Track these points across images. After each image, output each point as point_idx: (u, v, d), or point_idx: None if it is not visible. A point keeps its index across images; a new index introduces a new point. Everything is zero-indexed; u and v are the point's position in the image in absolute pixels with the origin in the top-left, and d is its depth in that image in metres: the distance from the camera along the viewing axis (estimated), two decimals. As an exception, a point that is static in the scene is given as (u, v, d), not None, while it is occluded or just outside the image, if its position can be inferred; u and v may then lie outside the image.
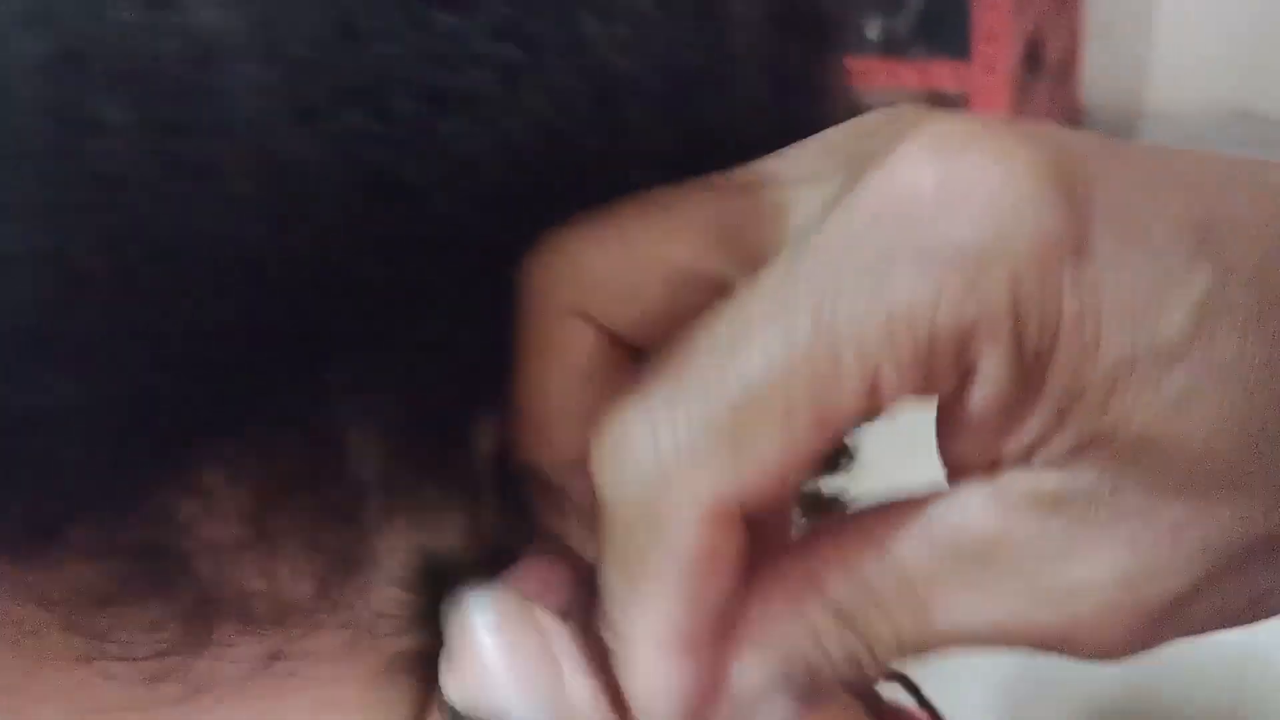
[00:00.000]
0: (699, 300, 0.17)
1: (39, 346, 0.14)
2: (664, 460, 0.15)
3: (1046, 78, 1.90)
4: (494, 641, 0.17)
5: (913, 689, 0.25)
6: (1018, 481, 0.16)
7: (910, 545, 0.16)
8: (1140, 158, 0.15)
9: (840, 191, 0.15)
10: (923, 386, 0.15)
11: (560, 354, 0.17)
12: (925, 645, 0.17)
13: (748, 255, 0.17)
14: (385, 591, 0.18)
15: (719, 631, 0.17)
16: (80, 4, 0.14)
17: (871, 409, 0.15)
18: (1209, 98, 2.03)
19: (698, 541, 0.15)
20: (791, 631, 0.17)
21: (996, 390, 0.15)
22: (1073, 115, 2.10)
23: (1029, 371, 0.14)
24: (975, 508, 0.16)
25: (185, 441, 0.16)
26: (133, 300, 0.14)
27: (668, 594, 0.16)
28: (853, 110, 0.19)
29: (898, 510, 0.17)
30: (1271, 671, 1.27)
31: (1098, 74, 2.10)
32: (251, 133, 0.14)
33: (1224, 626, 0.17)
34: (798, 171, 0.17)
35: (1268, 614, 0.17)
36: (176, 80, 0.14)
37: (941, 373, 0.15)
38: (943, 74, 1.68)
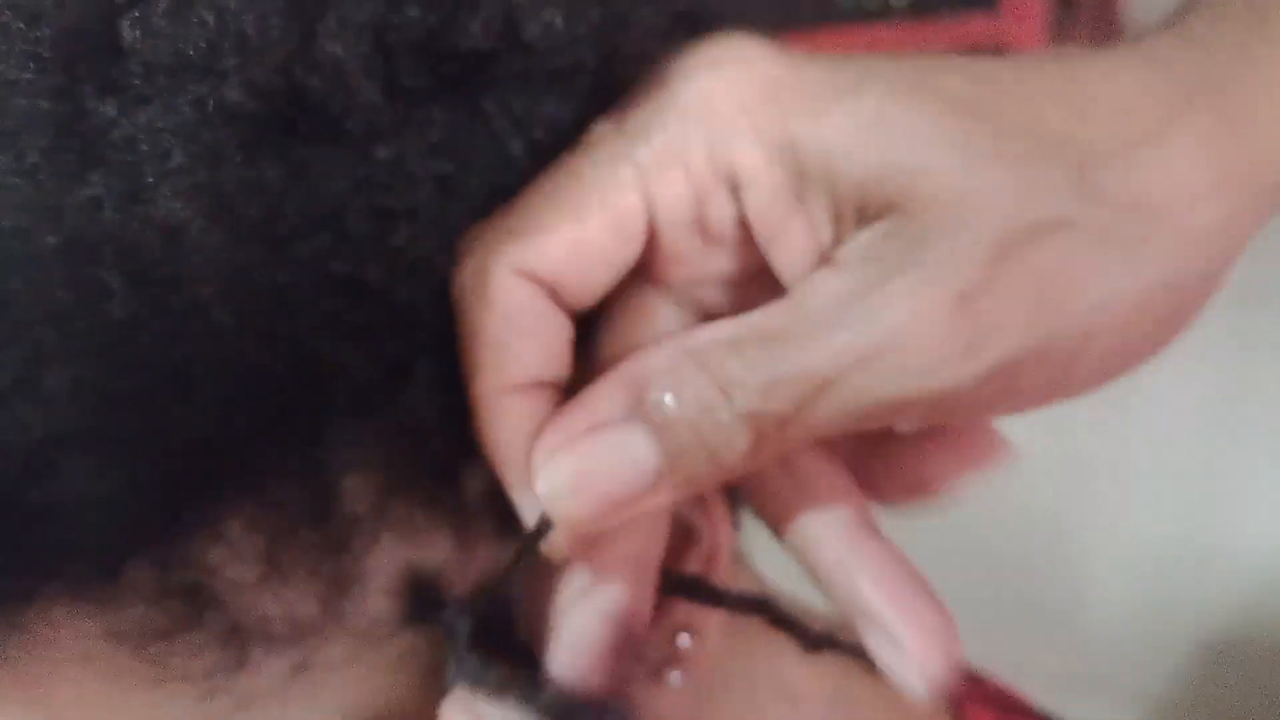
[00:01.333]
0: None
1: (81, 446, 0.18)
2: (485, 247, 0.20)
3: (1085, 17, 1.87)
4: None
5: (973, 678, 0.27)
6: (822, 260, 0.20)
7: (763, 314, 0.19)
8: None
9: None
10: (692, 202, 0.20)
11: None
12: (777, 390, 0.18)
13: None
14: (378, 601, 0.21)
15: (550, 381, 0.20)
16: (79, 207, 0.17)
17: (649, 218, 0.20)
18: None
19: (506, 294, 0.19)
20: (647, 364, 0.19)
21: (764, 195, 0.20)
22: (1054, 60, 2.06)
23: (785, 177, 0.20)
24: (810, 286, 0.19)
25: (212, 500, 0.19)
26: (153, 408, 0.18)
27: (489, 342, 0.20)
28: None
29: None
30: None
31: (1138, 11, 2.05)
32: (226, 274, 0.18)
33: (1025, 323, 0.19)
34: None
35: (1065, 307, 0.19)
36: (155, 252, 0.17)
37: (705, 189, 0.20)
38: (975, 28, 1.67)
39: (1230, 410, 1.44)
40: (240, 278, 0.18)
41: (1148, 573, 1.29)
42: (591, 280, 0.20)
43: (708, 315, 0.22)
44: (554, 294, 0.20)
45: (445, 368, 0.20)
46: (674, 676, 0.23)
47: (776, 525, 0.22)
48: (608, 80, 0.21)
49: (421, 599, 0.21)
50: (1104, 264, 0.19)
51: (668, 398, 0.19)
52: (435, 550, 0.21)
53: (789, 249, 0.20)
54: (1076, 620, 1.24)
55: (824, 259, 0.20)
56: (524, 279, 0.20)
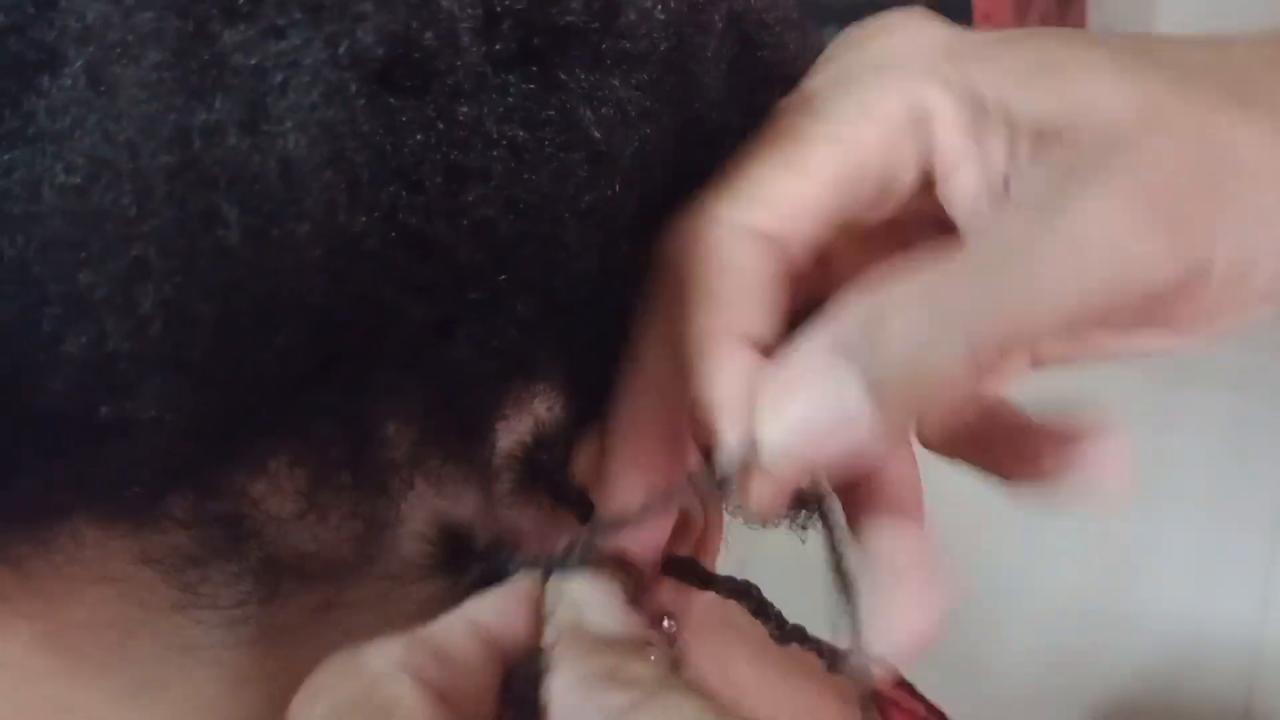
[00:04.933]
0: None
1: (159, 367, 0.18)
2: (706, 209, 0.21)
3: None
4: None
5: (906, 686, 0.28)
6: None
7: (952, 255, 0.20)
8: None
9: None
10: (889, 147, 0.22)
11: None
12: (991, 310, 0.19)
13: None
14: (409, 545, 0.21)
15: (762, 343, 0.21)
16: (200, 130, 0.17)
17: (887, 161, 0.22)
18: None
19: (731, 250, 0.21)
20: (851, 315, 0.20)
21: (950, 132, 0.21)
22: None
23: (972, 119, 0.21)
24: (995, 220, 0.20)
25: (260, 436, 0.20)
26: (230, 336, 0.18)
27: (713, 296, 0.20)
28: None
29: None
30: (1282, 666, 1.28)
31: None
32: (320, 214, 0.18)
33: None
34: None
35: None
36: (267, 183, 0.18)
37: (900, 133, 0.21)
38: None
39: (1145, 475, 1.49)
40: (332, 218, 0.18)
41: (1054, 627, 1.33)
42: (808, 230, 0.21)
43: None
44: (774, 250, 0.21)
45: (490, 325, 0.21)
46: (655, 659, 0.24)
47: (852, 515, 0.23)
48: (674, 66, 0.22)
49: (451, 547, 0.22)
50: (1272, 171, 0.20)
51: (874, 340, 0.19)
52: (463, 503, 0.22)
53: (965, 185, 0.21)
54: (981, 668, 1.27)
55: (997, 197, 0.21)
56: (747, 235, 0.21)
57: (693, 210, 0.21)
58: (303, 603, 0.21)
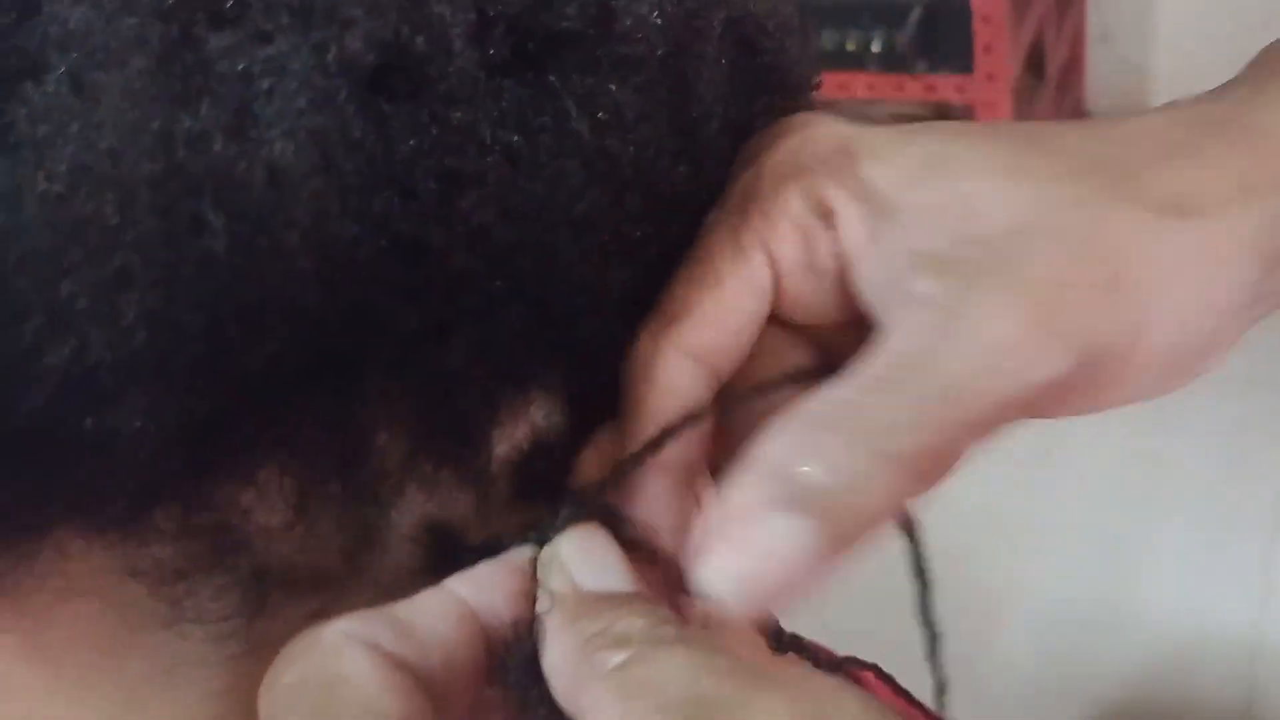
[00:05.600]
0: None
1: (144, 378, 0.18)
2: (649, 333, 0.22)
3: (1050, 85, 1.92)
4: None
5: (884, 676, 0.28)
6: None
7: (865, 364, 0.21)
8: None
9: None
10: (802, 244, 0.22)
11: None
12: (923, 421, 0.19)
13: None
14: (400, 555, 0.21)
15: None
16: (185, 137, 0.17)
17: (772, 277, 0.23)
18: (1211, 101, 2.05)
19: (667, 373, 0.22)
20: (781, 446, 0.20)
21: (851, 226, 0.22)
22: (1078, 120, 2.12)
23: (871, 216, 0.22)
24: (902, 326, 0.21)
25: (249, 446, 0.19)
26: (218, 346, 0.18)
27: (650, 416, 0.22)
28: None
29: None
30: (1281, 667, 1.28)
31: (1100, 79, 2.12)
32: (309, 222, 0.18)
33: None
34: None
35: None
36: (254, 191, 0.17)
37: (809, 229, 0.22)
38: (946, 87, 1.70)
39: (1143, 481, 1.49)
40: (322, 226, 0.18)
41: (1053, 628, 1.33)
42: (740, 340, 0.23)
43: (822, 348, 0.24)
44: (710, 367, 0.22)
45: (484, 333, 0.21)
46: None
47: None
48: (671, 71, 0.22)
49: (442, 555, 0.22)
50: (1165, 263, 0.21)
51: (812, 471, 0.19)
52: (457, 511, 0.22)
53: (872, 276, 0.22)
54: (979, 669, 1.27)
55: (904, 286, 0.21)
56: (684, 358, 0.22)
57: (642, 336, 0.22)
58: (291, 615, 0.21)
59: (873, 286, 0.22)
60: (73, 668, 0.20)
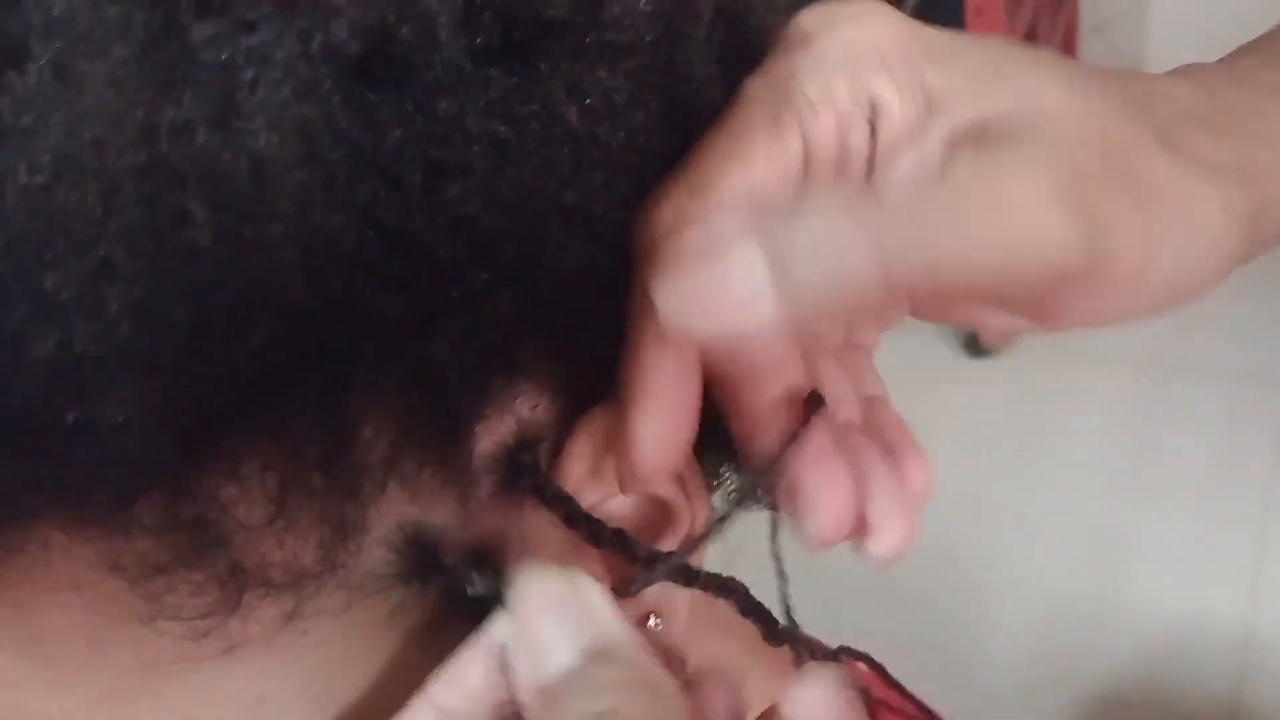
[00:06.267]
0: None
1: (128, 370, 0.17)
2: (669, 203, 0.21)
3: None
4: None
5: (877, 667, 0.28)
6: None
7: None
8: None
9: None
10: (838, 137, 0.22)
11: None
12: (909, 223, 0.20)
13: None
14: (375, 553, 0.21)
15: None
16: (169, 128, 0.17)
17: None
18: (1204, 93, 2.05)
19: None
20: (775, 207, 0.20)
21: (896, 124, 0.22)
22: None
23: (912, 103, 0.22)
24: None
25: (234, 437, 0.19)
26: (202, 337, 0.18)
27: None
28: None
29: None
30: (1271, 658, 1.29)
31: (1093, 72, 2.12)
32: (294, 213, 0.18)
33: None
34: None
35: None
36: (238, 182, 0.17)
37: (849, 123, 0.22)
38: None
39: (1133, 473, 1.49)
40: (306, 217, 0.18)
41: (1044, 622, 1.33)
42: None
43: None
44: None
45: (471, 324, 0.21)
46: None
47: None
48: (661, 55, 0.22)
49: (420, 556, 0.21)
50: (1177, 196, 0.22)
51: (802, 227, 0.20)
52: (438, 509, 0.22)
53: (901, 173, 0.22)
54: (971, 663, 1.27)
55: (933, 167, 0.22)
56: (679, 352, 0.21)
57: (662, 201, 0.21)
58: (266, 614, 0.21)
59: (902, 183, 0.22)
60: (61, 660, 0.20)
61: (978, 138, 0.21)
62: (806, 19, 0.23)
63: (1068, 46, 2.11)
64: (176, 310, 0.17)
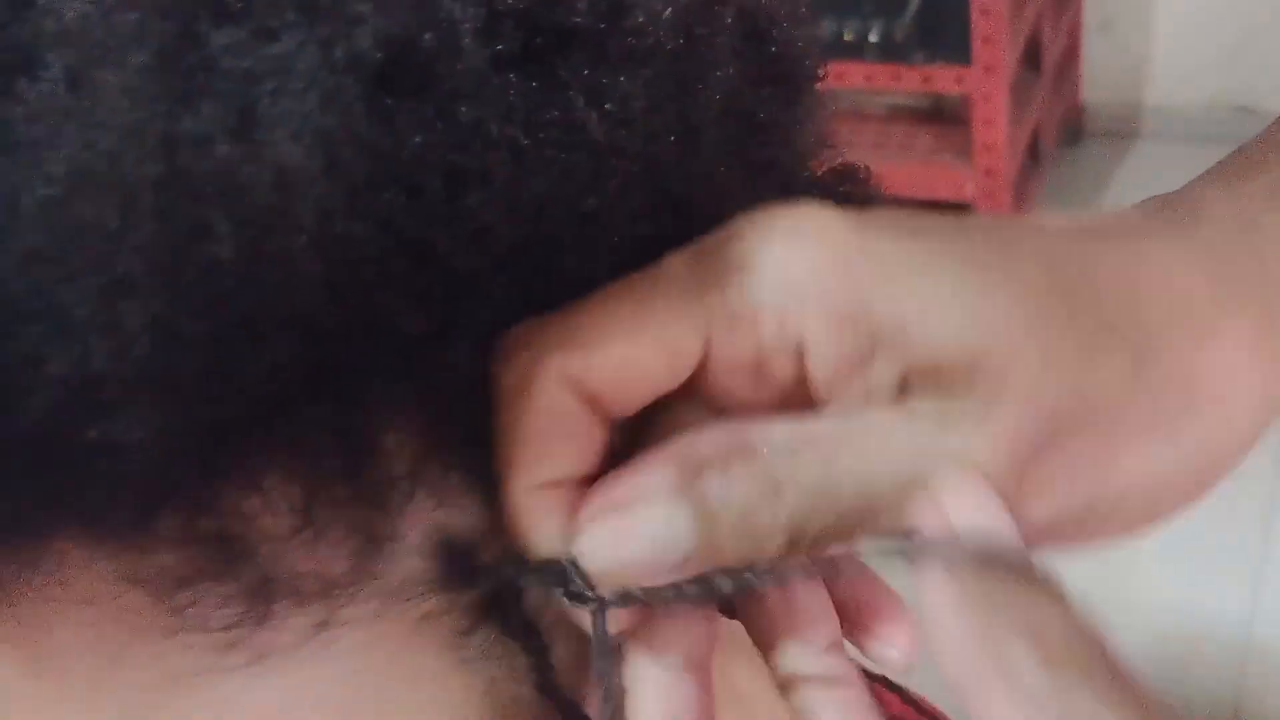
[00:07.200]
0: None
1: (147, 387, 0.17)
2: (534, 349, 0.21)
3: (1047, 77, 1.92)
4: None
5: (895, 687, 0.28)
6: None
7: (819, 421, 0.21)
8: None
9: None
10: (752, 358, 0.21)
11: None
12: (827, 501, 0.20)
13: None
14: (408, 562, 0.21)
15: (578, 479, 0.21)
16: (188, 139, 0.17)
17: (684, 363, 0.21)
18: (1208, 94, 2.05)
19: (550, 399, 0.20)
20: (700, 446, 0.21)
21: (829, 362, 0.21)
22: (1073, 113, 2.12)
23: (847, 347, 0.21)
24: (875, 411, 0.21)
25: (253, 452, 0.19)
26: (221, 352, 0.17)
27: (527, 442, 0.21)
28: (820, 148, 0.25)
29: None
30: (1271, 662, 1.29)
31: (1097, 72, 2.12)
32: (315, 225, 0.17)
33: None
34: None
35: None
36: (260, 194, 0.17)
37: (769, 351, 0.21)
38: (944, 77, 1.70)
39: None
40: (328, 228, 0.18)
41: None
42: (634, 396, 0.21)
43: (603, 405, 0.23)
44: (596, 403, 0.21)
45: (490, 332, 0.20)
46: None
47: (763, 642, 0.23)
48: (682, 63, 0.21)
49: (452, 563, 0.21)
50: (1147, 444, 0.21)
51: (718, 485, 0.20)
52: (466, 516, 0.21)
53: (841, 397, 0.21)
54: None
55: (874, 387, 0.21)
56: (569, 387, 0.21)
57: (525, 343, 0.21)
58: (296, 624, 0.20)
59: (844, 405, 0.21)
60: (76, 678, 0.20)
61: (935, 378, 0.20)
62: (744, 227, 0.22)
63: (1071, 47, 2.11)
64: (196, 325, 0.17)
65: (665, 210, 0.22)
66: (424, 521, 0.21)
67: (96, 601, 0.19)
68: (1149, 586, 1.36)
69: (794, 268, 0.21)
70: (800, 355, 0.21)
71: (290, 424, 0.19)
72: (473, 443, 0.21)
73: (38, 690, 0.20)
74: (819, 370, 0.21)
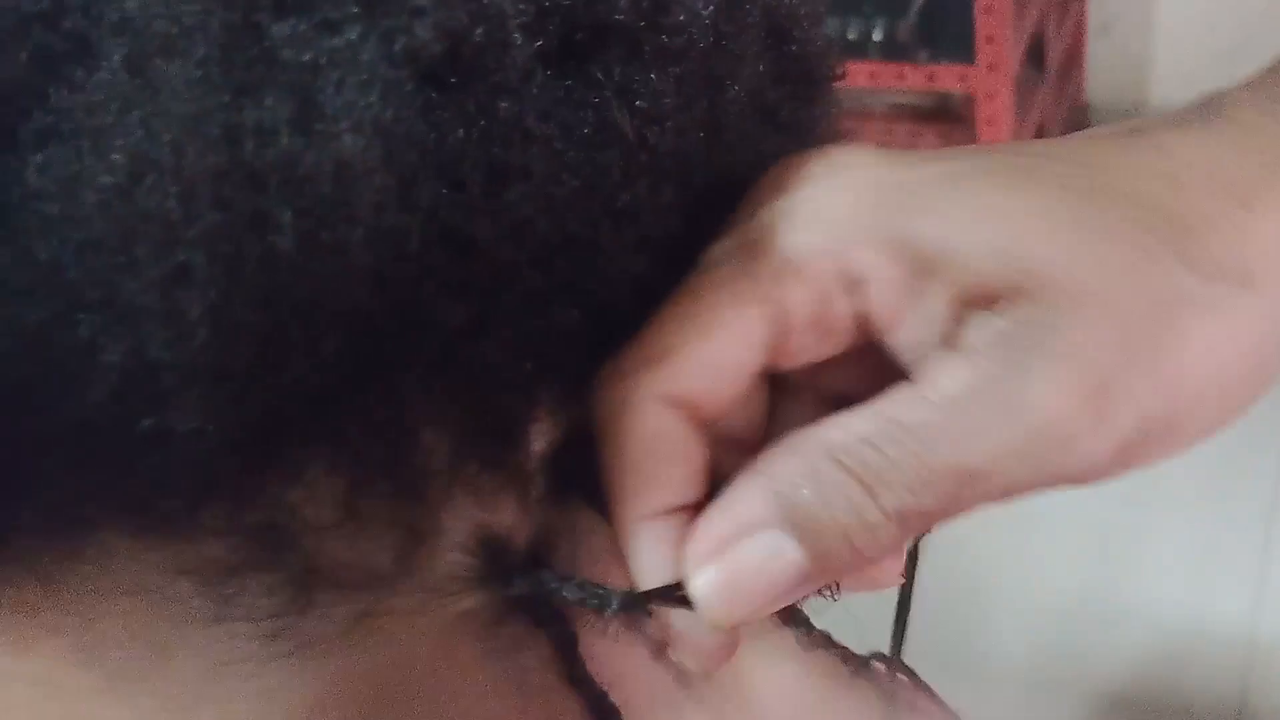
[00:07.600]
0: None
1: (202, 377, 0.17)
2: (622, 377, 0.21)
3: (1050, 76, 1.92)
4: None
5: (907, 670, 0.28)
6: (957, 343, 0.21)
7: (895, 404, 0.20)
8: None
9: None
10: (813, 304, 0.21)
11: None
12: (928, 488, 0.20)
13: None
14: (450, 557, 0.21)
15: (688, 505, 0.21)
16: (250, 130, 0.17)
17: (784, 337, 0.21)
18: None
19: (648, 422, 0.21)
20: (784, 464, 0.20)
21: (883, 291, 0.21)
22: (1077, 113, 2.12)
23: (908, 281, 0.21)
24: (944, 374, 0.20)
25: (298, 444, 0.19)
26: (275, 342, 0.18)
27: (634, 471, 0.21)
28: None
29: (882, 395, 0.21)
30: (1274, 662, 1.29)
31: (1101, 71, 2.12)
32: (371, 217, 0.18)
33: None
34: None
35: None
36: (321, 185, 0.17)
37: (826, 292, 0.21)
38: (947, 76, 1.70)
39: (1138, 474, 1.49)
40: (382, 221, 0.18)
41: (1050, 622, 1.33)
42: (726, 392, 0.22)
43: (825, 397, 0.23)
44: (692, 413, 0.21)
45: (526, 327, 0.21)
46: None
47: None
48: (711, 60, 0.22)
49: (494, 559, 0.21)
50: (1213, 333, 0.21)
51: (810, 498, 0.20)
52: (502, 512, 0.22)
53: (908, 337, 0.21)
54: (975, 663, 1.27)
55: (947, 343, 0.21)
56: (663, 405, 0.21)
57: (613, 374, 0.21)
58: (339, 614, 0.20)
59: (908, 345, 0.21)
60: (125, 668, 0.20)
61: (989, 301, 0.20)
62: (777, 173, 0.22)
63: (1074, 46, 2.11)
64: (253, 316, 0.17)
65: (694, 206, 0.22)
66: (465, 517, 0.21)
67: (142, 591, 0.19)
68: (1151, 585, 1.37)
69: (834, 207, 0.21)
70: (857, 294, 0.21)
71: (333, 416, 0.19)
72: (505, 435, 0.21)
73: (83, 681, 0.20)
74: (879, 302, 0.21)
